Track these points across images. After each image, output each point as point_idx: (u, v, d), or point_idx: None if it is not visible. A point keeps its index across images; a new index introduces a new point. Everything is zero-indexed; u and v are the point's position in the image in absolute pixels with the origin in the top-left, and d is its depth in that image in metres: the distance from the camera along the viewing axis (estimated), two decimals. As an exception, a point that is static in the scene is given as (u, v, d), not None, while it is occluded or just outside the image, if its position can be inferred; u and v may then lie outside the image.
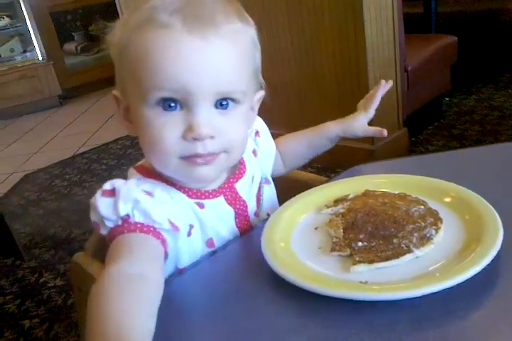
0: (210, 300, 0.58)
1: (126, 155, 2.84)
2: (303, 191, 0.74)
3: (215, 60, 0.58)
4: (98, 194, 0.63)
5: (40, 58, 4.04)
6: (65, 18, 4.39)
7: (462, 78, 2.86)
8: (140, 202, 0.61)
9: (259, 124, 0.82)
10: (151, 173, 0.67)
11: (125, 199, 0.61)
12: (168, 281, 0.60)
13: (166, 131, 0.60)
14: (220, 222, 0.70)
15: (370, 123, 0.86)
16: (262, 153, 0.80)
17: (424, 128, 2.51)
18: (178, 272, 0.67)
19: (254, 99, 0.69)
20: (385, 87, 0.85)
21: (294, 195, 0.73)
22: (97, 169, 2.73)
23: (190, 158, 0.61)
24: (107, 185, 0.63)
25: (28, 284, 1.79)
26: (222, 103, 0.60)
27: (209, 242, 0.69)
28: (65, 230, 2.13)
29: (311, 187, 0.75)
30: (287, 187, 0.83)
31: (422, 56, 2.33)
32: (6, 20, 4.07)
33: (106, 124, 3.40)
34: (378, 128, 0.85)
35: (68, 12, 4.38)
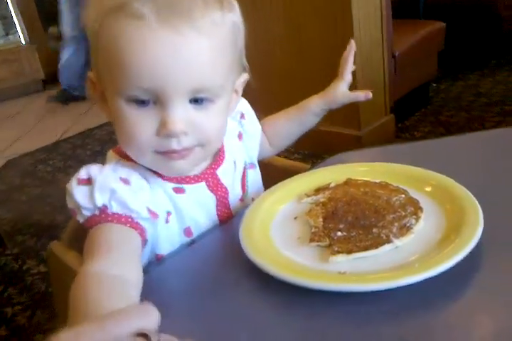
0: (189, 291, 0.57)
1: (111, 140, 2.80)
2: (285, 179, 0.73)
3: (188, 56, 0.55)
4: (74, 181, 0.62)
5: (23, 41, 3.97)
6: (48, 1, 4.30)
7: (449, 64, 2.86)
8: (117, 191, 0.59)
9: (244, 106, 0.80)
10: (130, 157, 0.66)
11: (101, 189, 0.60)
12: (147, 270, 0.60)
13: (140, 127, 0.58)
14: (199, 208, 0.69)
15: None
16: (248, 136, 0.79)
17: (411, 114, 2.51)
18: (157, 260, 0.67)
19: (237, 83, 0.67)
20: (353, 47, 0.82)
21: (275, 183, 0.72)
22: (82, 155, 2.70)
23: (165, 153, 0.60)
24: (83, 173, 0.62)
25: (11, 271, 1.77)
26: (197, 99, 0.58)
27: (187, 231, 0.68)
28: (49, 216, 2.11)
29: (293, 175, 0.74)
30: (269, 175, 0.82)
31: (410, 42, 2.32)
32: (-13, 2, 3.98)
33: (90, 109, 3.36)
34: (361, 92, 0.83)
35: (52, -6, 4.29)
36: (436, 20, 2.54)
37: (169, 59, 0.55)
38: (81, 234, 0.66)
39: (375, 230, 0.55)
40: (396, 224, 0.56)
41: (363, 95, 0.83)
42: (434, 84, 2.77)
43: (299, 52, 2.16)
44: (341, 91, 0.83)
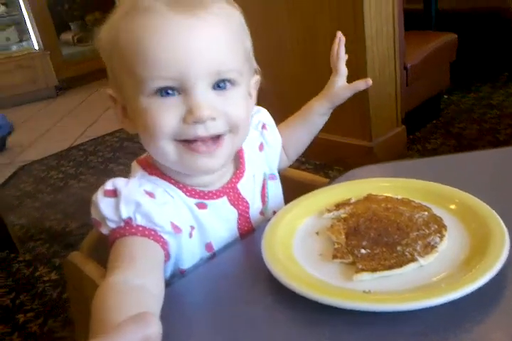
0: (210, 305, 0.57)
1: (122, 147, 2.82)
2: (304, 192, 0.73)
3: (207, 37, 0.57)
4: (100, 193, 0.62)
5: (37, 48, 4.01)
6: (62, 7, 4.35)
7: (461, 76, 2.86)
8: (142, 205, 0.60)
9: (266, 117, 0.81)
10: (154, 169, 0.66)
11: (127, 201, 0.60)
12: (169, 283, 0.60)
13: (165, 116, 0.59)
14: (221, 223, 0.69)
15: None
16: (269, 146, 0.79)
17: (422, 125, 2.51)
18: (181, 274, 0.67)
19: (250, 83, 0.67)
20: (341, 39, 0.81)
21: (295, 197, 0.72)
22: (94, 161, 2.71)
23: (192, 146, 0.60)
24: (109, 185, 0.62)
25: (23, 277, 1.78)
26: (219, 84, 0.59)
27: (208, 246, 0.69)
28: (61, 223, 2.12)
29: (312, 189, 0.74)
30: (288, 188, 0.82)
31: (422, 53, 2.32)
32: (1, 9, 4.03)
33: (103, 116, 3.38)
34: (360, 81, 0.81)
35: (65, 2, 4.34)
36: (448, 31, 2.54)
37: (187, 42, 0.56)
38: (100, 244, 0.67)
39: (399, 248, 0.55)
40: (420, 242, 0.56)
41: (362, 83, 0.81)
42: (446, 96, 2.77)
43: (312, 62, 2.16)
44: (340, 85, 0.82)
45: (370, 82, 0.80)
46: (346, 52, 0.82)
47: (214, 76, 0.58)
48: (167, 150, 0.61)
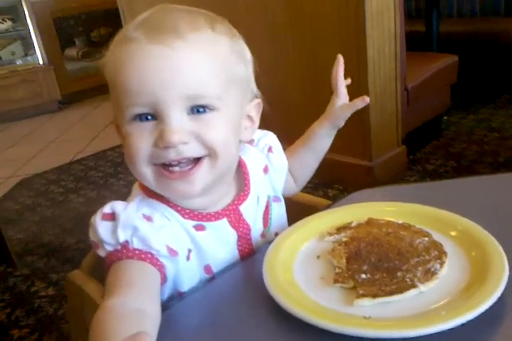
0: (209, 329, 0.57)
1: (123, 163, 2.80)
2: (305, 214, 0.73)
3: (178, 64, 0.58)
4: (98, 216, 0.63)
5: (41, 62, 4.04)
6: (67, 23, 4.40)
7: (461, 97, 2.88)
8: (139, 229, 0.61)
9: (273, 140, 0.81)
10: (153, 192, 0.67)
11: (124, 225, 0.61)
12: (168, 306, 0.60)
13: (139, 140, 0.60)
14: (220, 245, 0.69)
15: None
16: (274, 170, 0.79)
17: (422, 146, 2.52)
18: (179, 296, 0.67)
19: (248, 107, 0.68)
20: (340, 61, 0.82)
21: (296, 218, 0.73)
22: (94, 176, 2.71)
23: (165, 172, 0.61)
24: (107, 209, 0.64)
25: (20, 293, 1.77)
26: (198, 110, 0.60)
27: (207, 268, 0.69)
28: (59, 238, 2.12)
29: (314, 211, 0.74)
30: (289, 210, 0.83)
31: (423, 75, 2.34)
32: (8, 24, 4.08)
33: (104, 131, 3.40)
34: (357, 100, 0.81)
35: (71, 17, 4.39)
36: (449, 53, 2.57)
37: (158, 69, 0.58)
38: (100, 263, 0.67)
39: (399, 274, 0.56)
40: (420, 268, 0.56)
41: (360, 101, 0.81)
42: (446, 117, 2.79)
43: (315, 86, 2.19)
44: (339, 105, 0.82)
45: (367, 99, 0.80)
46: (348, 73, 0.83)
47: (187, 101, 0.59)
48: (145, 175, 0.63)
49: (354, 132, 2.10)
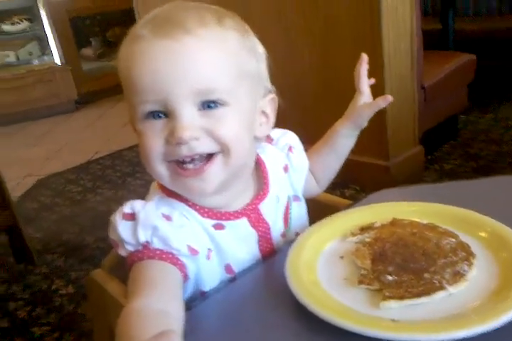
0: (231, 331, 0.56)
1: (140, 162, 2.82)
2: (324, 214, 0.73)
3: (186, 58, 0.58)
4: (118, 215, 0.64)
5: (58, 62, 4.08)
6: (83, 23, 4.43)
7: (479, 96, 2.85)
8: (159, 229, 0.61)
9: (293, 140, 0.81)
10: (172, 191, 0.67)
11: (144, 225, 0.61)
12: (190, 307, 0.60)
13: (152, 138, 0.60)
14: (240, 244, 0.69)
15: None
16: (294, 170, 0.79)
17: (440, 145, 2.49)
18: (201, 296, 0.67)
19: (262, 103, 0.67)
20: (364, 59, 0.80)
21: (316, 218, 0.72)
22: (111, 175, 2.73)
23: (179, 170, 0.61)
24: (127, 208, 0.64)
25: (40, 290, 1.79)
26: (209, 105, 0.60)
27: (227, 267, 0.69)
28: (78, 237, 2.14)
29: (334, 211, 0.74)
30: (309, 209, 0.83)
31: (440, 73, 2.32)
32: (25, 24, 4.11)
33: (121, 130, 3.41)
34: (379, 99, 0.80)
35: (87, 17, 4.42)
36: (465, 51, 2.54)
37: (168, 65, 0.58)
38: (122, 262, 0.67)
39: (426, 275, 0.55)
40: (448, 269, 0.55)
41: (382, 101, 0.80)
42: (463, 116, 2.76)
43: (330, 86, 2.18)
44: (361, 104, 0.81)
45: (389, 98, 0.79)
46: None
47: (198, 97, 0.59)
48: (160, 172, 0.63)
49: (370, 131, 2.05)
